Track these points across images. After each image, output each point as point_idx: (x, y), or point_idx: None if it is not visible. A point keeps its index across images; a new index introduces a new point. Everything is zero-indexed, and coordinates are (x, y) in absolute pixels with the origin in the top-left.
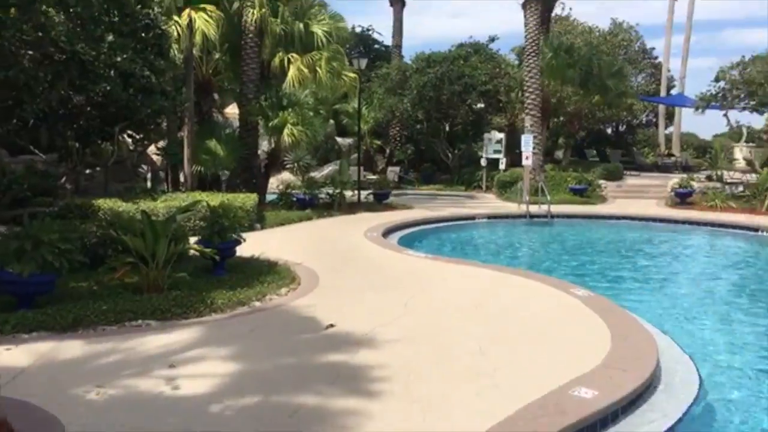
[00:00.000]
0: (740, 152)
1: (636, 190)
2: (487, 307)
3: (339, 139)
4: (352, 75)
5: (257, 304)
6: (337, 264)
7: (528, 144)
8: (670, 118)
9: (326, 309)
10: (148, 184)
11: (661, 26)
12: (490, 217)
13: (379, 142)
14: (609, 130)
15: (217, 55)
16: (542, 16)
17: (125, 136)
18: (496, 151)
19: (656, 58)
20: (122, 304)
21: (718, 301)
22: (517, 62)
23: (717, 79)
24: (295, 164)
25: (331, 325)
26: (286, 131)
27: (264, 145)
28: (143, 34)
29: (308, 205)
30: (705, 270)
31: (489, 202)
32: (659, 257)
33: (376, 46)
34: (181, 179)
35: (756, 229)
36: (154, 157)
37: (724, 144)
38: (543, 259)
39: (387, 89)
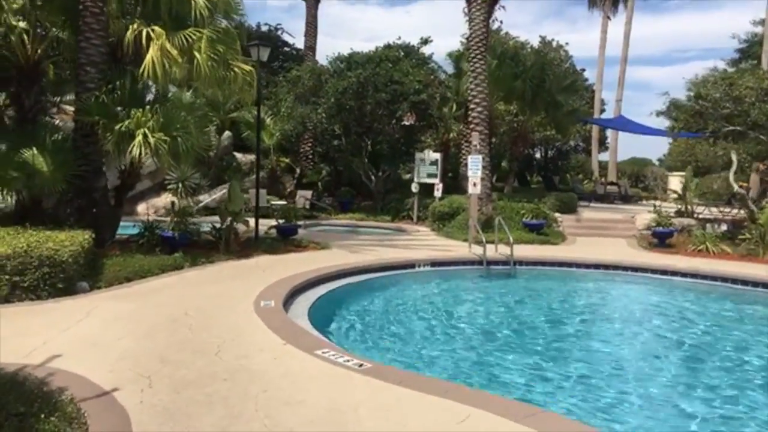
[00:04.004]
0: (679, 183)
1: (597, 226)
2: None
3: (239, 155)
4: (246, 68)
5: None
6: (187, 395)
7: (477, 167)
8: (600, 143)
9: None
10: None
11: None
12: (434, 263)
13: (287, 160)
14: (537, 155)
15: (53, 31)
16: (487, 16)
17: None
18: (431, 175)
19: (586, 80)
20: None
21: None
22: (454, 70)
23: (698, 97)
24: (179, 185)
25: None
26: (137, 140)
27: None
28: None
29: (179, 245)
30: None
31: (426, 239)
32: (701, 343)
33: (286, 48)
34: None
35: None
36: None
37: (655, 172)
38: (534, 343)
39: (297, 96)
